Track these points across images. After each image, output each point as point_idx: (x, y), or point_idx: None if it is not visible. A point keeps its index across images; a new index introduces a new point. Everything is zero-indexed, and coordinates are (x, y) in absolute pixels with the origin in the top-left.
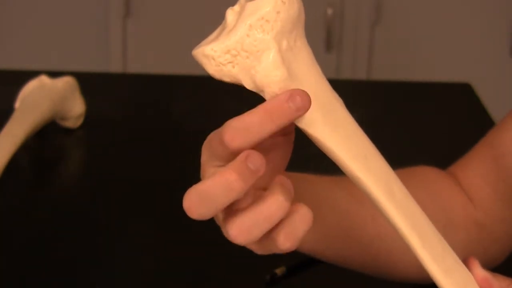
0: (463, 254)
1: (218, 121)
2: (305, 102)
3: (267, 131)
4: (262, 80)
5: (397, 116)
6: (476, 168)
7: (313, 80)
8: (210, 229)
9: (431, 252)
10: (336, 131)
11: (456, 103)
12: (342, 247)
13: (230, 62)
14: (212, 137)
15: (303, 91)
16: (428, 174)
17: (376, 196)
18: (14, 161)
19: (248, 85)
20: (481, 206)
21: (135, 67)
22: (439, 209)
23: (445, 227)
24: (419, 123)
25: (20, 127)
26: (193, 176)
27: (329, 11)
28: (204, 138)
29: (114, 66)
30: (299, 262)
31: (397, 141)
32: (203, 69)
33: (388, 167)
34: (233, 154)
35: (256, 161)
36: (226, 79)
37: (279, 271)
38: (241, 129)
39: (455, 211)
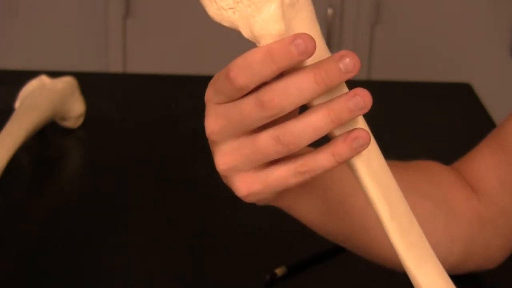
0: (465, 245)
1: None
2: (309, 47)
3: (269, 71)
4: (259, 31)
5: (397, 116)
6: (484, 160)
7: None
8: (210, 229)
9: (398, 224)
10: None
11: (456, 103)
12: (342, 224)
13: (231, 8)
14: (218, 74)
15: (309, 36)
16: (431, 166)
17: (353, 161)
18: (14, 161)
19: (246, 33)
20: (486, 199)
21: (135, 67)
22: (440, 198)
23: (447, 215)
24: (419, 123)
25: (20, 127)
26: (193, 175)
27: (329, 11)
28: (204, 138)
29: (114, 66)
30: (299, 262)
31: (397, 141)
32: (203, 68)
33: (371, 135)
34: (238, 91)
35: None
36: (225, 23)
37: (279, 271)
38: (245, 66)
39: (457, 202)
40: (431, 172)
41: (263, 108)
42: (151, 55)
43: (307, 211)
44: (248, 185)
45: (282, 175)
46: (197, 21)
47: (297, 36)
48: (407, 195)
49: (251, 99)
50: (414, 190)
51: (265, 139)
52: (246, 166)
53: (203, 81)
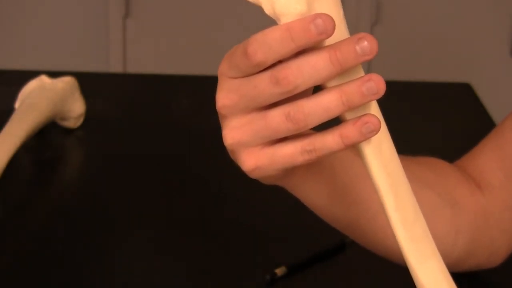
0: (469, 239)
1: (218, 121)
2: (328, 27)
3: (287, 49)
4: (281, 9)
5: (397, 116)
6: (489, 154)
7: None
8: (210, 229)
9: (403, 216)
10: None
11: (456, 103)
12: (347, 211)
13: None
14: (235, 49)
15: (329, 17)
16: (434, 161)
17: (363, 148)
18: (14, 161)
19: (267, 10)
20: (491, 194)
21: (135, 67)
22: (445, 190)
23: (453, 207)
24: (419, 123)
25: (20, 127)
26: (193, 175)
27: None
28: (204, 138)
29: (114, 66)
30: (299, 262)
31: (397, 141)
32: (203, 68)
33: (384, 126)
34: (254, 67)
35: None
36: None
37: (279, 271)
38: (263, 43)
39: (462, 195)
40: (435, 166)
41: (278, 84)
42: (151, 55)
43: (312, 194)
44: (254, 159)
45: (289, 152)
46: (197, 21)
47: (317, 15)
48: (413, 185)
49: (266, 75)
50: (419, 181)
51: (276, 115)
52: (255, 141)
53: (203, 81)
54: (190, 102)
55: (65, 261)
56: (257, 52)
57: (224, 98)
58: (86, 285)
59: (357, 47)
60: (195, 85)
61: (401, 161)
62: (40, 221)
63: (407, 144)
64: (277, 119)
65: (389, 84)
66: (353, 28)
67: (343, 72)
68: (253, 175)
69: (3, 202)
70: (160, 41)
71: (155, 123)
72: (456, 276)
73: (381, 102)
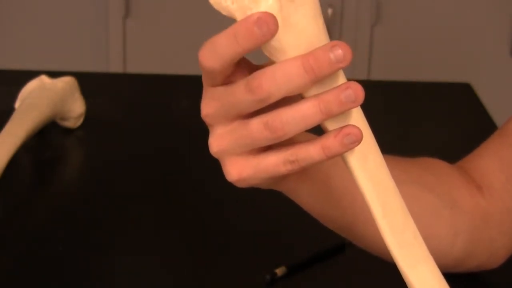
0: (468, 240)
1: None
2: (271, 27)
3: (234, 52)
4: None
5: (397, 116)
6: (491, 157)
7: (310, 34)
8: (211, 229)
9: (391, 223)
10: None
11: (456, 103)
12: (344, 214)
13: None
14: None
15: (270, 15)
16: (434, 162)
17: (347, 158)
18: (14, 161)
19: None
20: (492, 196)
21: (135, 67)
22: (444, 191)
23: (452, 208)
24: (419, 123)
25: (20, 127)
26: (193, 175)
27: (329, 11)
28: (204, 138)
29: (114, 66)
30: (299, 262)
31: (397, 141)
32: None
33: (369, 134)
34: (209, 73)
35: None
36: (223, 12)
37: (279, 271)
38: (211, 49)
39: (461, 197)
40: (435, 167)
41: (252, 92)
42: (151, 55)
43: (308, 198)
44: (239, 170)
45: (273, 162)
46: (197, 21)
47: (258, 15)
48: (411, 187)
49: (242, 83)
50: (418, 183)
51: (255, 123)
52: (236, 149)
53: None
54: (190, 102)
55: (65, 261)
56: (206, 59)
57: (206, 106)
58: (86, 285)
59: (331, 55)
60: (195, 85)
61: (399, 162)
62: (40, 221)
63: (407, 145)
64: (256, 127)
65: (389, 84)
66: (353, 28)
67: (318, 80)
68: (239, 185)
69: (3, 202)
70: (160, 41)
71: (155, 123)
72: (455, 276)
73: (381, 103)
